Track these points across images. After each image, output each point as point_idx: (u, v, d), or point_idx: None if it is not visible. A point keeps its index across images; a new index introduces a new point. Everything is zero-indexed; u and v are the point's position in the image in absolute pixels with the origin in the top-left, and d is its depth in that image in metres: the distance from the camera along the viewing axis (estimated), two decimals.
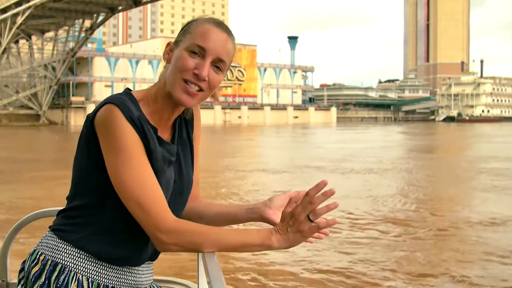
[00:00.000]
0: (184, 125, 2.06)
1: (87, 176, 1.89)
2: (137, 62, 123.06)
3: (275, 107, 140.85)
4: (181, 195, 2.01)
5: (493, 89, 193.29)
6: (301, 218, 1.70)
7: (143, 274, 2.01)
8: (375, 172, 22.19)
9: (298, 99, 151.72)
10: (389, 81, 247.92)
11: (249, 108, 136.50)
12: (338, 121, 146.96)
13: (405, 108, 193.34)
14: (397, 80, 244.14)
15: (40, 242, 1.95)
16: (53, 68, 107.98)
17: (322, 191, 1.69)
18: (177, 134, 2.02)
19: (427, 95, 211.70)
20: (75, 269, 1.85)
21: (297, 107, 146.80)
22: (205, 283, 2.01)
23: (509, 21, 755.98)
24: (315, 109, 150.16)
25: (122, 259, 1.91)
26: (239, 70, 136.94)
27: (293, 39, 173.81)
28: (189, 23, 1.92)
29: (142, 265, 1.99)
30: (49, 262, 1.86)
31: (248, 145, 45.79)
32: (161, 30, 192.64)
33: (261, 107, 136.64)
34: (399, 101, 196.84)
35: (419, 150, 39.13)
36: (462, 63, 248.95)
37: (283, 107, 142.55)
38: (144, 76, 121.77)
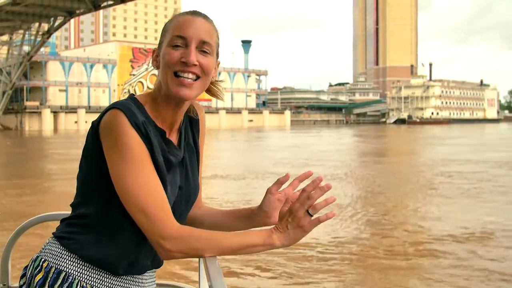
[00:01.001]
0: (190, 130, 2.04)
1: (91, 184, 1.86)
2: (91, 66, 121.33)
3: (230, 111, 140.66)
4: (187, 201, 1.98)
5: (442, 91, 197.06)
6: (300, 214, 1.72)
7: (146, 283, 1.99)
8: (340, 178, 22.07)
9: (252, 103, 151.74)
10: (339, 84, 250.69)
11: (205, 112, 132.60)
12: (291, 124, 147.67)
13: (356, 111, 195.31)
14: (347, 83, 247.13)
15: (43, 248, 1.92)
16: (8, 73, 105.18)
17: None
18: (184, 139, 1.99)
19: (377, 98, 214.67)
20: (78, 277, 1.83)
21: (251, 111, 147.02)
22: (206, 287, 2.01)
23: (453, 25, 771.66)
24: (270, 113, 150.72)
25: (125, 268, 1.89)
26: None
27: (246, 43, 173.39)
28: (166, 24, 1.91)
29: (145, 274, 1.98)
30: (52, 270, 1.84)
31: (204, 150, 46.48)
32: (114, 34, 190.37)
33: (216, 111, 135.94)
34: (350, 104, 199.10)
35: (377, 154, 39.42)
36: (412, 66, 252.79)
37: (238, 111, 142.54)
38: (99, 81, 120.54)
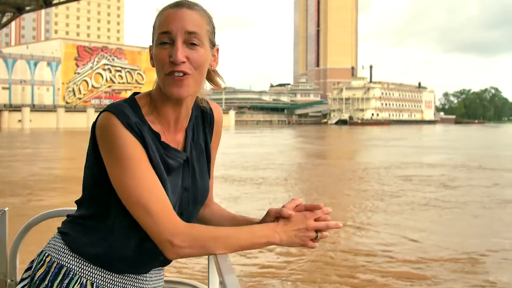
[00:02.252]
0: (202, 130, 2.01)
1: (93, 183, 1.86)
2: (35, 64, 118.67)
3: None
4: (194, 203, 1.95)
5: (382, 93, 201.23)
6: (311, 234, 1.77)
7: (151, 281, 1.98)
8: (289, 182, 21.38)
9: None
10: (280, 85, 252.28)
11: None
12: (235, 124, 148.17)
13: (298, 111, 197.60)
14: (288, 84, 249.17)
15: (48, 244, 1.93)
16: None
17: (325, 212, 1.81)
18: (192, 139, 1.96)
19: (318, 99, 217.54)
20: (80, 273, 1.83)
21: None
22: (216, 284, 2.06)
23: (389, 28, 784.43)
24: None
25: (127, 267, 1.88)
26: (138, 73, 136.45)
27: None
28: (154, 20, 1.86)
29: (151, 272, 1.97)
30: (54, 265, 1.84)
31: None
32: (56, 31, 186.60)
33: None
34: (292, 105, 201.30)
35: (325, 156, 39.28)
36: (352, 68, 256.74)
37: None
38: (43, 78, 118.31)
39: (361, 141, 64.43)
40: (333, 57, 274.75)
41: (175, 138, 1.90)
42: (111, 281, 1.86)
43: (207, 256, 2.01)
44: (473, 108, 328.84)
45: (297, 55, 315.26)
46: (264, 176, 22.47)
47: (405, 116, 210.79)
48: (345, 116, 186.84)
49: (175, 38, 1.75)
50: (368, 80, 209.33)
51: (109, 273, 1.86)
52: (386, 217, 13.64)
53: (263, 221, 1.87)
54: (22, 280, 1.93)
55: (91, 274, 1.84)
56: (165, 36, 1.76)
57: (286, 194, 17.66)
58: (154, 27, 1.83)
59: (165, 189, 1.78)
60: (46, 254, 1.88)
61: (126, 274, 1.89)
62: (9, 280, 2.57)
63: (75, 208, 2.00)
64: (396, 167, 26.88)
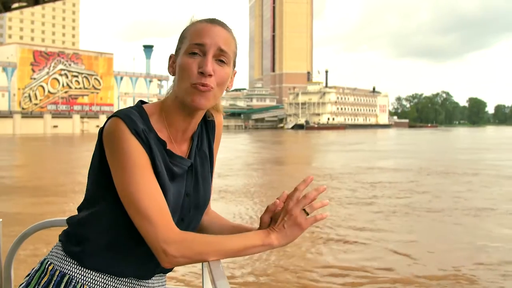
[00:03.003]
0: (206, 136, 2.04)
1: (96, 190, 1.88)
2: None
3: None
4: (196, 209, 1.98)
5: (337, 98, 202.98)
6: (296, 212, 1.76)
7: (153, 287, 2.00)
8: (252, 190, 21.06)
9: None
10: (236, 90, 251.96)
11: (108, 117, 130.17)
12: None
13: (255, 116, 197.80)
14: (244, 89, 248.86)
15: (50, 252, 1.95)
16: None
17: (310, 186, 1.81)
18: (196, 146, 1.98)
19: (274, 103, 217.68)
20: (82, 281, 1.84)
21: None
22: None
23: (343, 33, 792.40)
24: None
25: (129, 273, 1.90)
26: (95, 79, 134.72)
27: (148, 48, 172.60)
28: (184, 30, 1.89)
29: (153, 278, 1.98)
30: (57, 273, 1.86)
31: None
32: (10, 36, 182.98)
33: None
34: (248, 110, 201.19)
35: (285, 161, 39.03)
36: (308, 73, 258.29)
37: None
38: None
39: (320, 145, 64.49)
40: (289, 62, 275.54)
41: (181, 147, 1.92)
42: (114, 287, 1.88)
43: (201, 263, 2.02)
44: (425, 112, 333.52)
45: (253, 60, 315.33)
46: (228, 184, 22.04)
47: (360, 120, 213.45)
48: (302, 121, 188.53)
49: (207, 51, 1.78)
50: (324, 84, 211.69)
51: (111, 280, 1.87)
52: (364, 225, 13.50)
53: (262, 219, 1.89)
54: (20, 285, 1.93)
55: (93, 281, 1.85)
56: (197, 47, 1.78)
57: (251, 202, 17.40)
58: (184, 36, 1.85)
59: (167, 196, 1.79)
60: (49, 263, 1.89)
61: (128, 281, 1.90)
62: None
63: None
64: (361, 173, 26.84)
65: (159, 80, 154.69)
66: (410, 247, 11.12)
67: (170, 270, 2.01)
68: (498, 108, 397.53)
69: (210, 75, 1.77)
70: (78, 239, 1.88)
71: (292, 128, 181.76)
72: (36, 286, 1.87)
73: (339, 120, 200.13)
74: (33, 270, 1.93)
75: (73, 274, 1.85)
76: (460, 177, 24.49)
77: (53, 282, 1.85)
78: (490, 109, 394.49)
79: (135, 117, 1.78)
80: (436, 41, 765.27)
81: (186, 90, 1.79)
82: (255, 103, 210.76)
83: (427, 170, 28.50)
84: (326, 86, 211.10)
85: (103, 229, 1.85)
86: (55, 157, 41.91)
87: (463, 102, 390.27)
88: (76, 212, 1.99)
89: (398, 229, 13.07)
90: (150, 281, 1.97)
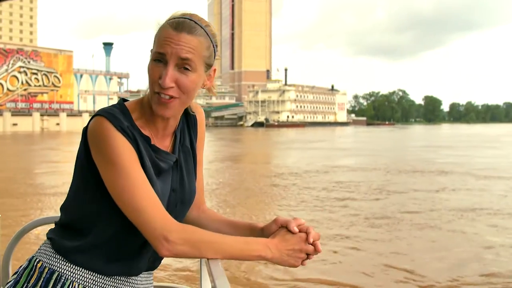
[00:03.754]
0: (187, 132, 2.04)
1: (82, 188, 1.87)
2: None
3: (93, 114, 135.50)
4: (182, 204, 1.98)
5: (297, 96, 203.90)
6: (303, 255, 1.83)
7: (141, 284, 1.99)
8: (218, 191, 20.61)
9: None
10: None
11: (68, 115, 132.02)
12: None
13: (214, 114, 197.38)
14: None
15: (38, 250, 1.94)
16: None
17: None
18: (179, 142, 1.99)
19: (233, 101, 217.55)
20: (71, 278, 1.83)
21: None
22: None
23: (300, 31, 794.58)
24: None
25: (117, 270, 1.89)
26: (55, 76, 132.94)
27: (108, 45, 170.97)
28: (156, 31, 1.86)
29: (141, 275, 1.98)
30: (46, 270, 1.84)
31: (51, 156, 38.59)
32: None
33: (79, 114, 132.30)
34: (208, 108, 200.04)
35: (247, 160, 38.33)
36: (268, 71, 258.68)
37: None
38: None
39: (281, 143, 64.04)
40: (248, 60, 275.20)
41: (163, 143, 1.93)
42: (103, 284, 1.87)
43: (199, 261, 2.00)
44: (382, 110, 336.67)
45: None
46: None
47: (319, 118, 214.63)
48: (261, 119, 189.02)
49: (168, 62, 1.76)
50: (283, 82, 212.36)
51: (100, 276, 1.86)
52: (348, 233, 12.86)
53: (268, 227, 1.92)
54: (8, 283, 1.92)
55: (83, 278, 1.84)
56: (159, 55, 1.77)
57: (214, 202, 16.81)
58: (154, 39, 1.84)
59: (155, 191, 1.78)
60: (37, 260, 1.88)
61: (117, 277, 1.89)
62: None
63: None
64: (324, 172, 26.13)
65: (119, 77, 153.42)
66: (405, 259, 10.13)
67: (156, 266, 2.03)
68: (453, 106, 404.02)
69: (171, 87, 1.77)
70: (68, 236, 1.87)
71: (252, 126, 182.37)
72: (26, 284, 1.84)
73: (298, 118, 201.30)
74: (21, 268, 1.90)
75: (62, 271, 1.83)
76: (431, 176, 24.20)
77: (42, 279, 1.83)
78: (445, 107, 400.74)
79: (118, 115, 1.78)
80: (392, 39, 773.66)
81: (151, 97, 1.81)
82: (214, 101, 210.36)
83: (396, 168, 28.06)
84: (286, 84, 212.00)
85: (94, 227, 1.84)
86: (16, 156, 39.64)
87: (419, 100, 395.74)
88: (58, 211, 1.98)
89: (385, 237, 11.99)
90: (138, 278, 1.96)
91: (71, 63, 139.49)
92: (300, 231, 1.85)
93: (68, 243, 1.86)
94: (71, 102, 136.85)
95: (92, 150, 1.77)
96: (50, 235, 1.92)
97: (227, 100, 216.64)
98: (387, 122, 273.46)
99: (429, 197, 17.60)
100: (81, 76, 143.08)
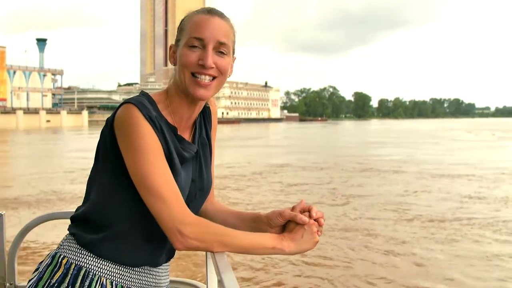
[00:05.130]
0: (203, 124, 2.07)
1: (104, 180, 1.88)
2: None
3: (27, 111, 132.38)
4: (200, 194, 2.01)
5: (231, 92, 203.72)
6: (314, 228, 1.86)
7: (162, 276, 2.02)
8: None
9: (48, 103, 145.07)
10: (128, 84, 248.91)
11: (2, 112, 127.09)
12: (89, 125, 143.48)
13: None
14: (136, 83, 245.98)
15: (60, 245, 1.93)
16: None
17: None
18: (198, 133, 2.02)
19: None
20: (99, 273, 1.84)
21: (49, 111, 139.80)
22: (214, 283, 2.08)
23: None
24: (67, 113, 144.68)
25: (141, 261, 1.91)
26: None
27: (41, 41, 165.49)
28: (182, 20, 1.92)
29: (160, 267, 2.01)
30: (72, 266, 1.84)
31: None
32: None
33: (12, 111, 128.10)
34: None
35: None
36: None
37: (35, 111, 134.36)
38: None
39: (219, 141, 62.04)
40: None
41: (184, 134, 1.96)
42: (128, 277, 1.89)
43: (205, 255, 2.04)
44: (313, 106, 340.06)
45: (144, 54, 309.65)
46: None
47: (253, 115, 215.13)
48: None
49: (207, 45, 1.82)
50: None
51: (125, 269, 1.89)
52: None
53: (272, 217, 1.94)
54: (29, 280, 1.92)
55: (109, 272, 1.86)
56: (196, 40, 1.82)
57: None
58: (182, 28, 1.89)
59: (178, 180, 1.82)
60: (62, 256, 1.88)
61: (141, 269, 1.93)
62: (7, 284, 2.55)
63: (71, 210, 2.04)
64: (274, 173, 24.56)
65: (53, 74, 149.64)
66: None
67: (172, 257, 2.07)
68: (382, 102, 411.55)
69: (212, 67, 1.83)
70: (92, 229, 1.88)
71: None
72: (49, 281, 1.84)
73: (233, 114, 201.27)
74: (44, 265, 1.90)
75: (89, 267, 1.85)
76: (387, 175, 22.90)
77: (69, 275, 1.83)
78: (374, 103, 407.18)
79: (147, 104, 1.80)
80: (323, 37, 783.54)
81: (188, 80, 1.84)
82: None
83: (346, 167, 26.76)
84: None
85: (118, 217, 1.86)
86: None
87: (349, 96, 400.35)
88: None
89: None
90: (159, 269, 2.00)
91: (4, 59, 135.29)
92: (303, 211, 1.90)
93: (92, 236, 1.87)
94: (4, 99, 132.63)
95: (118, 137, 1.78)
96: (73, 230, 1.92)
97: None
98: (319, 118, 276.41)
99: (399, 202, 15.94)
100: (14, 72, 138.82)
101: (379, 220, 13.12)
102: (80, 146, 48.60)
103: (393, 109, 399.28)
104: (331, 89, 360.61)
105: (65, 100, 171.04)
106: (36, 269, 1.92)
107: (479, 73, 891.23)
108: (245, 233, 1.80)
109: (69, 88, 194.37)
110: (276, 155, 36.69)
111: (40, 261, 1.95)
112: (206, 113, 2.08)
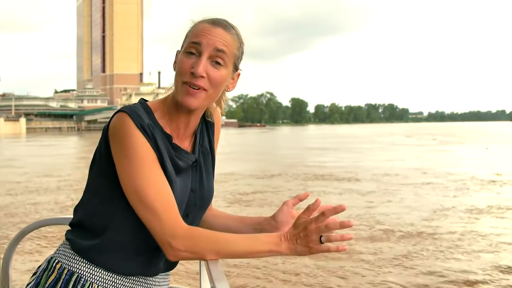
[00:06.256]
0: (206, 133, 2.03)
1: (99, 188, 1.87)
2: None
3: None
4: (201, 204, 1.97)
5: None
6: (313, 237, 1.69)
7: (159, 285, 1.98)
8: None
9: None
10: (66, 91, 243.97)
11: None
12: (26, 132, 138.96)
13: (87, 117, 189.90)
14: (74, 90, 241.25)
15: (57, 250, 1.93)
16: None
17: (336, 215, 1.71)
18: (199, 142, 1.98)
19: (106, 105, 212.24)
20: (91, 279, 1.83)
21: None
22: None
23: (168, 34, 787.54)
24: (5, 120, 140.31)
25: (135, 270, 1.87)
26: None
27: None
28: (189, 30, 1.88)
29: (158, 276, 1.96)
30: (65, 271, 1.84)
31: None
32: None
33: None
34: (81, 111, 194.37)
35: None
36: (141, 74, 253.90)
37: None
38: None
39: None
40: (120, 63, 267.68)
41: (183, 143, 1.93)
42: (122, 285, 1.87)
43: (198, 263, 2.02)
44: (251, 112, 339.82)
45: (81, 60, 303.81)
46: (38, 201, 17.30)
47: None
48: None
49: (202, 51, 1.79)
50: (157, 85, 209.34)
51: (119, 277, 1.86)
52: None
53: (279, 213, 1.94)
54: (28, 284, 1.92)
55: (102, 279, 1.84)
56: (193, 46, 1.80)
57: None
58: (186, 35, 1.87)
59: (174, 190, 1.79)
60: (56, 261, 1.88)
61: (136, 278, 1.89)
62: None
63: (69, 216, 2.03)
64: (222, 181, 22.77)
65: None
66: None
67: (173, 267, 2.03)
68: (318, 108, 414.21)
69: (202, 77, 1.78)
70: (87, 236, 1.87)
71: None
72: (44, 285, 1.85)
73: None
74: (41, 269, 1.91)
75: (82, 273, 1.83)
76: (344, 184, 21.38)
77: (61, 280, 1.83)
78: (311, 109, 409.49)
79: (140, 113, 1.78)
80: (260, 43, 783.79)
81: (178, 88, 1.82)
82: (86, 104, 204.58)
83: (298, 174, 25.15)
84: (159, 87, 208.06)
85: (112, 226, 1.84)
86: None
87: (286, 102, 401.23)
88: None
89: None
90: (155, 279, 1.96)
91: None
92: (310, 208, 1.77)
93: (87, 243, 1.85)
94: None
95: (112, 146, 1.77)
96: (69, 236, 1.92)
97: (99, 104, 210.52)
98: (258, 124, 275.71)
99: (368, 213, 14.42)
100: None
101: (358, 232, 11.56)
102: (13, 153, 45.91)
103: (329, 115, 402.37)
104: (268, 95, 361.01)
105: (2, 108, 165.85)
106: (34, 273, 1.92)
107: (412, 79, 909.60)
108: (240, 236, 1.75)
109: (3, 95, 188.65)
110: (220, 162, 34.17)
111: (39, 265, 1.96)
112: (209, 122, 2.05)
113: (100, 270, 1.83)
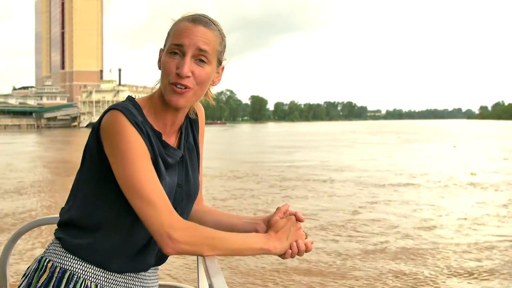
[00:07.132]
0: (190, 129, 2.06)
1: (89, 186, 1.87)
2: None
3: None
4: (188, 198, 1.99)
5: (132, 96, 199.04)
6: (301, 234, 1.86)
7: (149, 280, 2.00)
8: None
9: None
10: (24, 88, 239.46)
11: None
12: None
13: (47, 115, 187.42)
14: (32, 87, 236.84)
15: (46, 249, 1.93)
16: None
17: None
18: (184, 138, 2.00)
19: (65, 102, 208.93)
20: (83, 276, 1.83)
21: None
22: (206, 287, 2.05)
23: (127, 30, 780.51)
24: None
25: (127, 266, 1.89)
26: None
27: None
28: (170, 27, 1.90)
29: (149, 271, 1.99)
30: (57, 269, 1.84)
31: None
32: None
33: None
34: (40, 108, 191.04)
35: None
36: (101, 71, 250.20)
37: None
38: None
39: None
40: (79, 60, 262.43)
41: (170, 139, 1.95)
42: (114, 281, 1.88)
43: (196, 260, 2.04)
44: (211, 109, 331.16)
45: (40, 57, 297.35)
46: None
47: None
48: (96, 119, 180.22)
49: (186, 52, 1.81)
50: (117, 83, 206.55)
51: (111, 273, 1.87)
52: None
53: (270, 217, 1.94)
54: (19, 286, 1.91)
55: (94, 275, 1.85)
56: (176, 47, 1.81)
57: None
58: (168, 34, 1.89)
59: (164, 186, 1.80)
60: (47, 260, 1.88)
61: (127, 273, 1.91)
62: None
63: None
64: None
65: None
66: None
67: (163, 262, 2.04)
68: (277, 105, 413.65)
69: (188, 77, 1.81)
70: (78, 234, 1.87)
71: (87, 126, 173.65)
72: (36, 285, 1.84)
73: None
74: (32, 269, 1.90)
75: (74, 270, 1.84)
76: (319, 185, 20.46)
77: (54, 279, 1.83)
78: (271, 106, 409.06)
79: (132, 110, 1.79)
80: None
81: (165, 88, 1.83)
82: (45, 101, 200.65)
83: (267, 175, 24.11)
84: (120, 84, 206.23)
85: (104, 223, 1.84)
86: None
87: (245, 99, 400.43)
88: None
89: None
90: (147, 274, 1.98)
91: None
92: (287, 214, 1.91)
93: (78, 241, 1.85)
94: None
95: (105, 144, 1.76)
96: (59, 235, 1.91)
97: (58, 101, 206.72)
98: (218, 122, 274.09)
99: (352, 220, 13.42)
100: None
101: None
102: None
103: (289, 112, 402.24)
104: (228, 93, 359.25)
105: None
106: (24, 274, 1.91)
107: (370, 77, 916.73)
108: (233, 234, 1.80)
109: None
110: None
111: (28, 266, 1.95)
112: (192, 119, 2.07)
113: (92, 266, 1.84)
